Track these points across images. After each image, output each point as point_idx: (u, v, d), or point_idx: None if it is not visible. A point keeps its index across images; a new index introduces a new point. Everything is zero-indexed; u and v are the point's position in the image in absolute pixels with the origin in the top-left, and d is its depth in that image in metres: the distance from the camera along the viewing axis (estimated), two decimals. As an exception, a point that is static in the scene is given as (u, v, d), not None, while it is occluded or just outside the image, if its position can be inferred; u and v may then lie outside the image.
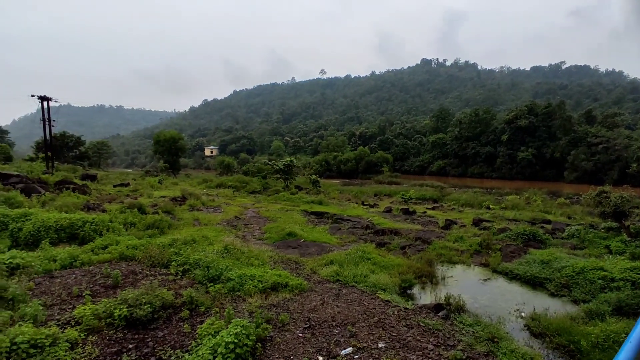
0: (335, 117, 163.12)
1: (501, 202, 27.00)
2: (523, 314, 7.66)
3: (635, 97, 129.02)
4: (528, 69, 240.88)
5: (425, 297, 8.53)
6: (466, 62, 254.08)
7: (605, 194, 16.06)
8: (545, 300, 8.57)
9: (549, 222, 18.82)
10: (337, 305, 7.19)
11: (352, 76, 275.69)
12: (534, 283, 9.51)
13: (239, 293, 7.44)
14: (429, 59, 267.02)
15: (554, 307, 7.87)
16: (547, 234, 14.49)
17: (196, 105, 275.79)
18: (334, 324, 6.40)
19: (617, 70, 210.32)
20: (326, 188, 35.47)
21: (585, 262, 9.78)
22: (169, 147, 58.72)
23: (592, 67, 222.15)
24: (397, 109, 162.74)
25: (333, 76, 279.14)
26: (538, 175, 61.66)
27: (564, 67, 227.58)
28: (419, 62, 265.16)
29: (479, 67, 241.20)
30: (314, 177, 36.15)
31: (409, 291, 8.66)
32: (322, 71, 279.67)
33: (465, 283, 9.60)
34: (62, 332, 5.39)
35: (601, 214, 16.73)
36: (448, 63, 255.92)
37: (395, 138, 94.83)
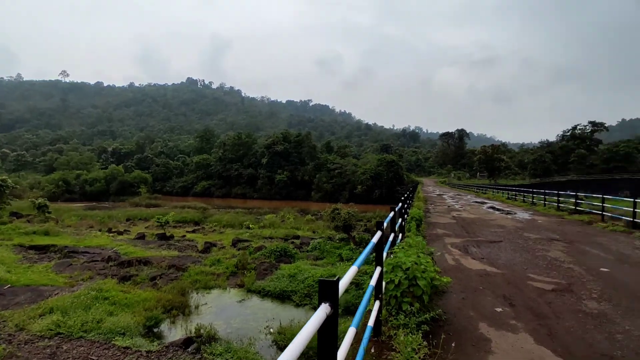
0: (82, 129, 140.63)
1: (260, 222, 28.84)
2: (272, 330, 7.94)
3: (359, 133, 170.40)
4: (284, 101, 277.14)
5: (176, 332, 7.75)
6: (231, 87, 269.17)
7: (337, 211, 19.56)
8: (292, 311, 9.22)
9: (298, 237, 21.18)
10: (51, 370, 5.51)
11: (105, 84, 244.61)
12: (283, 297, 10.16)
13: None
14: (195, 78, 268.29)
15: (298, 317, 8.50)
16: (296, 249, 16.13)
17: None
18: (40, 398, 4.79)
19: (347, 111, 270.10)
20: (60, 214, 29.23)
21: (323, 271, 11.23)
22: None
23: (330, 107, 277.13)
24: (159, 126, 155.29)
25: (79, 81, 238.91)
26: (292, 195, 70.08)
27: (311, 104, 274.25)
28: (184, 81, 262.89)
29: (244, 94, 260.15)
30: (40, 200, 28.96)
31: (155, 329, 7.65)
32: (64, 73, 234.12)
33: (220, 308, 9.35)
34: None
35: (335, 227, 20.23)
36: (214, 86, 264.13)
37: (156, 157, 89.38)
